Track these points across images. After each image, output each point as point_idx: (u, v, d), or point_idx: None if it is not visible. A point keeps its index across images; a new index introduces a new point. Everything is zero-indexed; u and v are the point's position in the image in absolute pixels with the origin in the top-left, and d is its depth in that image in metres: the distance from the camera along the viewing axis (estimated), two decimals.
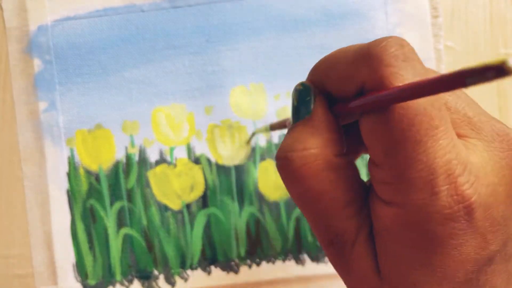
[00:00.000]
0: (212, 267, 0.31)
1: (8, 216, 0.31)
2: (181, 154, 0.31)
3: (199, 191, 0.31)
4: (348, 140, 0.18)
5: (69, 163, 0.31)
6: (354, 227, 0.17)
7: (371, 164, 0.16)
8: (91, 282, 0.31)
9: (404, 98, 0.14)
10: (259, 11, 0.31)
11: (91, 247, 0.31)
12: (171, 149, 0.31)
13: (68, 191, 0.31)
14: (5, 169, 0.31)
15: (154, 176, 0.31)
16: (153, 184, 0.31)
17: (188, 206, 0.31)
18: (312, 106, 0.17)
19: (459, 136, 0.16)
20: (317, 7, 0.31)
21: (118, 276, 0.31)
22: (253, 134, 0.31)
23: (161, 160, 0.31)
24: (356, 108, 0.16)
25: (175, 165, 0.31)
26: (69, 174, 0.31)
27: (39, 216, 0.31)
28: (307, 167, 0.16)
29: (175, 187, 0.31)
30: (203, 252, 0.31)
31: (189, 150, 0.31)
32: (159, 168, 0.31)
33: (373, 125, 0.15)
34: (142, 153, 0.31)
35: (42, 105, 0.31)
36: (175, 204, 0.31)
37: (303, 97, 0.18)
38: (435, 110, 0.14)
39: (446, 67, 0.31)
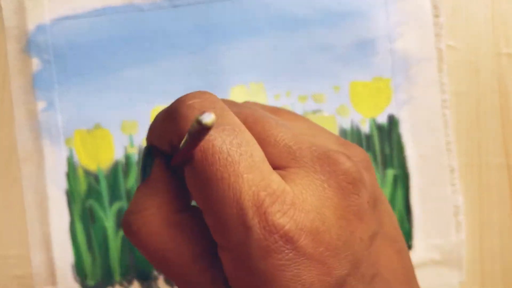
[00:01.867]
0: None
1: (6, 216, 0.31)
2: None
3: None
4: None
5: (68, 163, 0.31)
6: (208, 281, 0.16)
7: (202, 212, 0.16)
8: (90, 282, 0.31)
9: (189, 147, 0.15)
10: (259, 10, 0.31)
11: (90, 247, 0.31)
12: None
13: (67, 191, 0.31)
14: (3, 169, 0.31)
15: None
16: None
17: None
18: (152, 167, 0.18)
19: (281, 167, 0.16)
20: (318, 6, 0.31)
21: (117, 277, 0.31)
22: None
23: None
24: (176, 164, 0.17)
25: None
26: (68, 174, 0.31)
27: (38, 217, 0.31)
28: (145, 229, 0.16)
29: None
30: None
31: None
32: None
33: (188, 175, 0.16)
34: (141, 153, 0.31)
35: (41, 105, 0.31)
36: None
37: (145, 159, 0.18)
38: (233, 147, 0.15)
39: (448, 67, 0.31)
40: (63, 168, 0.31)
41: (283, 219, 0.14)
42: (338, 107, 0.31)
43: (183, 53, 0.31)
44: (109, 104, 0.31)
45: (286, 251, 0.14)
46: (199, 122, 0.11)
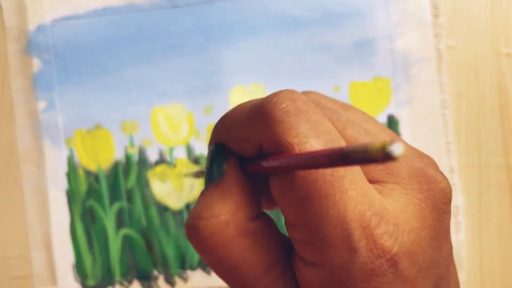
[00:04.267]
0: None
1: (7, 216, 0.31)
2: (180, 154, 0.31)
3: (199, 192, 0.31)
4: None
5: (68, 163, 0.31)
6: None
7: (287, 224, 0.15)
8: (91, 282, 0.31)
9: (298, 168, 0.13)
10: (259, 10, 0.31)
11: (91, 247, 0.31)
12: (171, 149, 0.31)
13: (67, 192, 0.31)
14: (4, 169, 0.31)
15: (153, 176, 0.31)
16: (152, 184, 0.31)
17: (188, 206, 0.31)
18: (224, 168, 0.16)
19: (375, 181, 0.15)
20: (317, 6, 0.31)
21: (118, 277, 0.31)
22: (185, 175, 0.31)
23: (161, 160, 0.31)
24: (261, 170, 0.15)
25: (174, 165, 0.31)
26: (68, 175, 0.31)
27: (38, 217, 0.31)
28: (218, 236, 0.15)
29: (175, 187, 0.31)
30: None
31: (189, 150, 0.31)
32: (159, 168, 0.31)
33: (279, 186, 0.14)
34: (141, 153, 0.31)
35: (41, 105, 0.31)
36: (174, 205, 0.31)
37: (215, 158, 0.17)
38: None
39: (447, 67, 0.31)
40: (63, 168, 0.31)
41: (390, 242, 0.14)
42: None
43: (183, 53, 0.31)
44: (109, 104, 0.31)
45: (388, 274, 0.14)
46: (387, 153, 0.10)
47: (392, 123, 0.31)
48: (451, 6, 0.31)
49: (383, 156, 0.10)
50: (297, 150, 0.14)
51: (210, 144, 0.18)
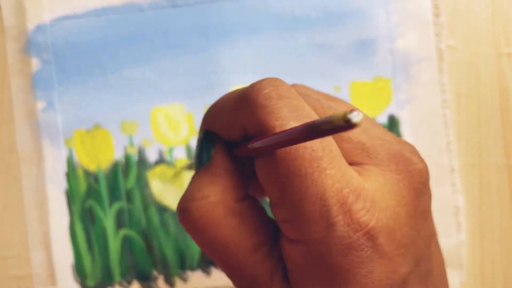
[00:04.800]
0: (212, 268, 0.31)
1: (6, 217, 0.31)
2: (180, 154, 0.31)
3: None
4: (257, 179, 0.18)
5: (68, 164, 0.31)
6: (267, 271, 0.16)
7: (271, 205, 0.16)
8: (90, 283, 0.31)
9: (278, 145, 0.14)
10: (259, 10, 0.31)
11: (90, 248, 0.31)
12: (170, 149, 0.31)
13: (66, 192, 0.31)
14: (3, 169, 0.31)
15: (153, 176, 0.31)
16: (152, 184, 0.31)
17: None
18: (212, 153, 0.17)
19: (355, 163, 0.16)
20: (318, 6, 0.31)
21: (117, 277, 0.31)
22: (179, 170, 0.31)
23: (161, 160, 0.31)
24: (246, 153, 0.16)
25: (174, 165, 0.31)
26: (67, 175, 0.31)
27: (38, 217, 0.31)
28: (207, 217, 0.16)
29: (175, 188, 0.31)
30: (202, 252, 0.31)
31: (189, 150, 0.31)
32: (159, 169, 0.31)
33: (263, 167, 0.15)
34: (141, 153, 0.31)
35: (41, 105, 0.31)
36: (174, 205, 0.31)
37: (204, 144, 0.18)
38: (315, 141, 0.14)
39: (448, 67, 0.31)
40: (62, 168, 0.31)
41: (367, 217, 0.14)
42: None
43: (183, 53, 0.31)
44: (109, 104, 0.31)
45: (366, 248, 0.14)
46: (347, 120, 0.10)
47: (393, 123, 0.31)
48: (452, 6, 0.31)
49: (345, 124, 0.11)
50: (278, 131, 0.14)
51: (199, 132, 0.19)
